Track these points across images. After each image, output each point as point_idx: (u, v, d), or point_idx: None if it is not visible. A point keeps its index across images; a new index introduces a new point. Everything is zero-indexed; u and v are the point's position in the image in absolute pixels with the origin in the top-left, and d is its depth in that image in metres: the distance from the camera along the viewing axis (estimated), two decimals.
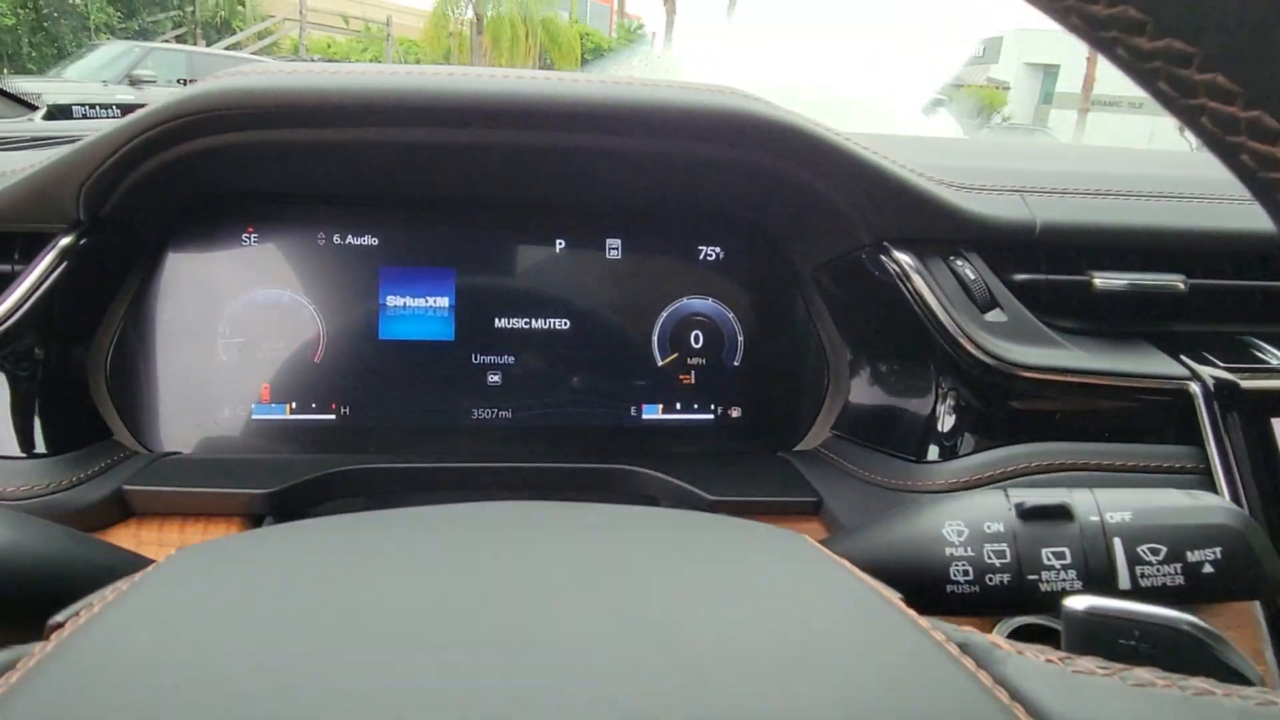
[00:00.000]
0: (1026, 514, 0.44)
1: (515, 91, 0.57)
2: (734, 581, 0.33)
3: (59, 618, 0.33)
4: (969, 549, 0.44)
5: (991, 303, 0.67)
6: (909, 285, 0.66)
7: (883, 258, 0.67)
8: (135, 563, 0.44)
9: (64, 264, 0.64)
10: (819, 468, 0.76)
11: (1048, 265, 0.69)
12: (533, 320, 0.79)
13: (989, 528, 0.44)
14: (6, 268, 0.66)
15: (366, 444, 0.76)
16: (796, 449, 0.81)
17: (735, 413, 0.81)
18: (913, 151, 0.69)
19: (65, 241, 0.64)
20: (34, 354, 0.65)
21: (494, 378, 0.78)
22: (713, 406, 0.81)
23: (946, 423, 0.67)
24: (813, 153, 0.62)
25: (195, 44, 13.19)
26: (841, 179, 0.64)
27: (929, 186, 0.65)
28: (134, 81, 8.23)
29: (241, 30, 15.15)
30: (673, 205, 0.81)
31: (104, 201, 0.64)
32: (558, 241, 0.79)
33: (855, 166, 0.62)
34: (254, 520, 0.67)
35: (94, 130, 0.67)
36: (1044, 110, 22.20)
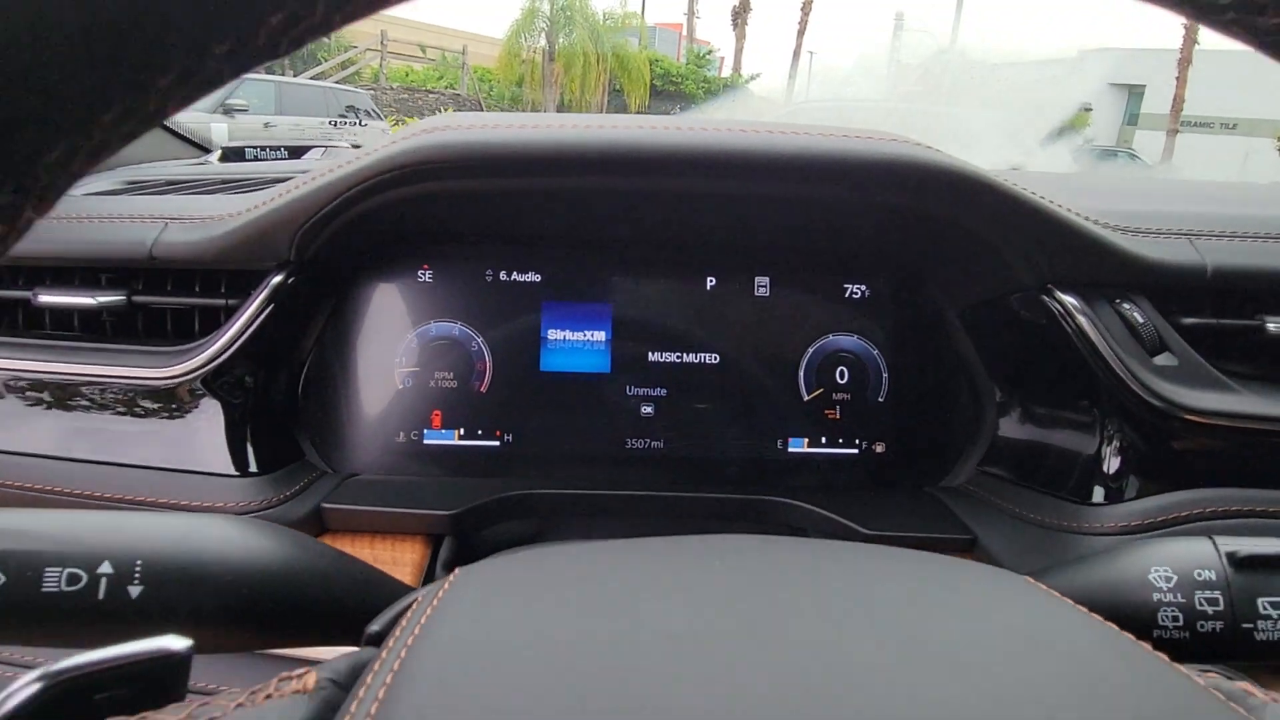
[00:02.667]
0: (1241, 563, 0.44)
1: (718, 144, 0.61)
2: (983, 625, 0.35)
3: (376, 626, 0.37)
4: (1178, 595, 0.44)
5: (1160, 346, 0.67)
6: (1074, 327, 0.67)
7: (1045, 299, 0.68)
8: (382, 580, 0.48)
9: (274, 301, 0.70)
10: (969, 504, 0.77)
11: (1217, 309, 0.69)
12: (684, 355, 0.82)
13: (1200, 575, 0.45)
14: (220, 302, 0.73)
15: (528, 469, 0.80)
16: (943, 485, 0.82)
17: (880, 448, 0.82)
18: (1071, 193, 0.70)
19: (276, 280, 0.71)
20: (245, 381, 0.71)
21: (647, 409, 0.81)
22: (858, 441, 0.82)
23: (1112, 464, 0.67)
24: (987, 201, 0.64)
25: (283, 74, 13.89)
26: (1011, 224, 0.65)
27: (1097, 230, 0.66)
28: (227, 110, 8.66)
29: (326, 60, 15.87)
30: (820, 245, 0.83)
31: (311, 243, 0.70)
32: (708, 279, 0.83)
33: (1027, 213, 0.64)
34: (433, 539, 0.72)
35: (268, 171, 0.73)
36: (1128, 131, 21.43)
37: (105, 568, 0.38)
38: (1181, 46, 17.28)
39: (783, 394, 0.82)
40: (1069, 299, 0.67)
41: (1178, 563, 0.45)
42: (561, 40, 19.36)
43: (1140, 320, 0.66)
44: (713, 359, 0.82)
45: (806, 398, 0.82)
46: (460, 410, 0.80)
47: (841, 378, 0.83)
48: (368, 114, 11.05)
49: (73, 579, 0.38)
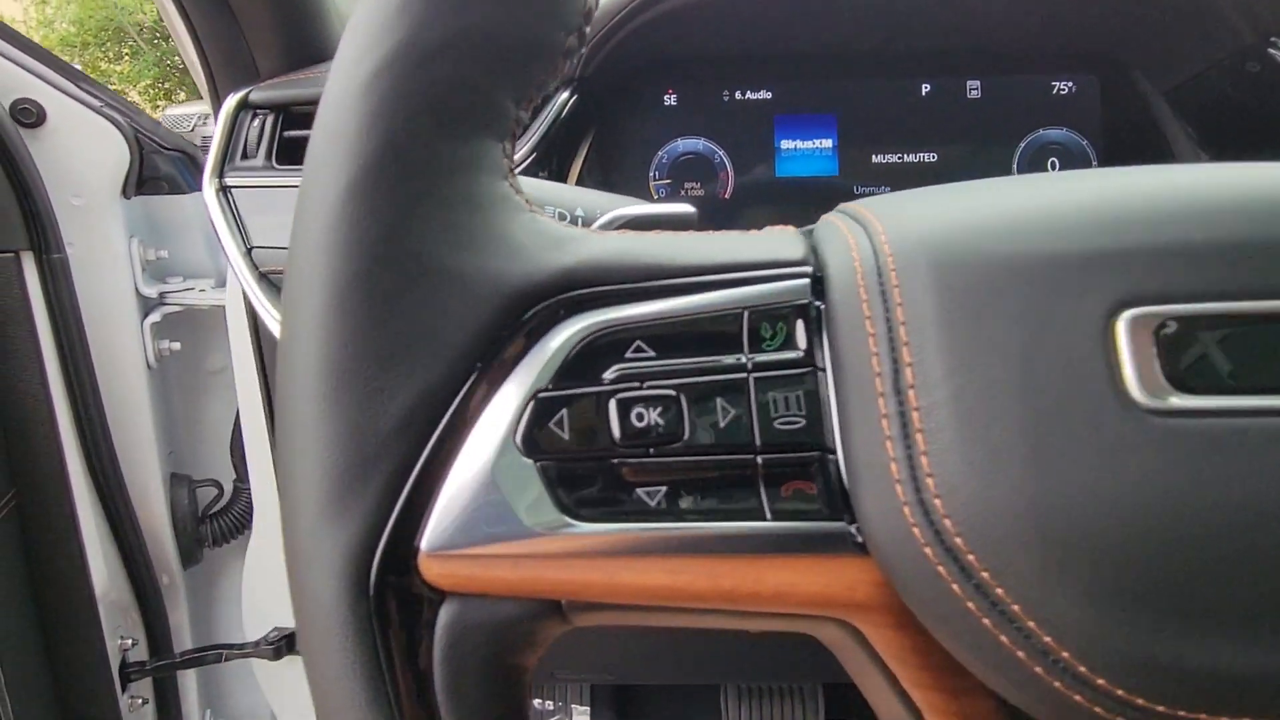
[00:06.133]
0: None
1: None
2: None
3: None
4: None
5: None
6: None
7: (1271, 52, 0.74)
8: None
9: (562, 113, 0.83)
10: None
11: None
12: (905, 155, 0.91)
13: None
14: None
15: None
16: None
17: None
18: None
19: (563, 96, 0.83)
20: (539, 173, 0.85)
21: None
22: None
23: None
24: None
25: None
26: None
27: None
28: None
29: None
30: (1027, 45, 0.90)
31: (592, 61, 0.83)
32: (924, 86, 0.91)
33: None
34: None
35: None
36: None
37: (579, 211, 0.51)
38: None
39: None
40: None
41: None
42: None
43: None
44: (931, 157, 0.91)
45: None
46: (708, 215, 0.92)
47: (1053, 168, 0.90)
48: None
49: (562, 216, 0.51)
